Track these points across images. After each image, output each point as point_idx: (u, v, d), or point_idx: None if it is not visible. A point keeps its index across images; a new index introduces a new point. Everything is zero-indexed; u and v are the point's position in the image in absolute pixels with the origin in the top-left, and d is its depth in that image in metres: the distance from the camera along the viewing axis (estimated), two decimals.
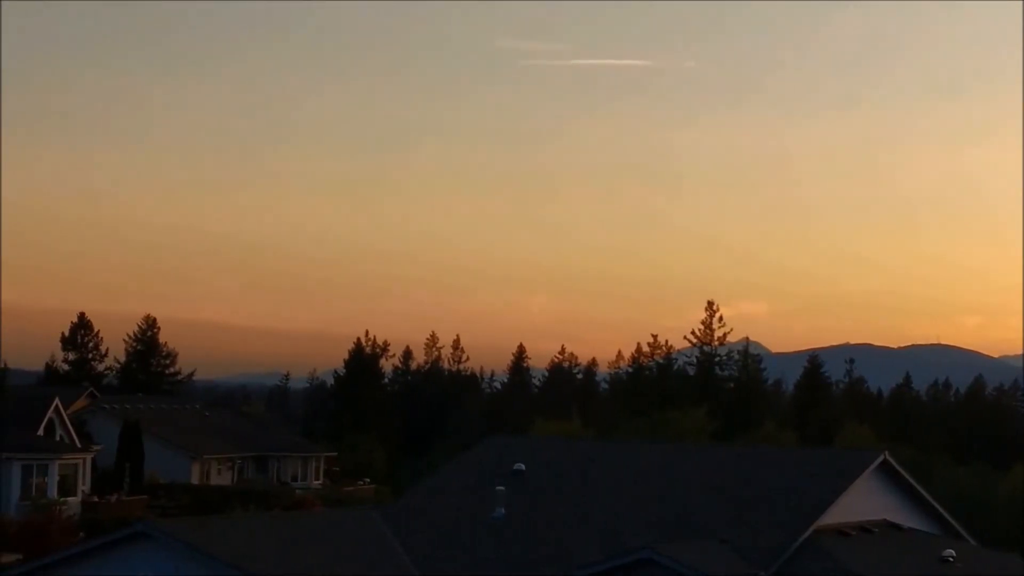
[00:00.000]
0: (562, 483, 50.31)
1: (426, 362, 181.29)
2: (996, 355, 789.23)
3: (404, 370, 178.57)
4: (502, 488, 48.20)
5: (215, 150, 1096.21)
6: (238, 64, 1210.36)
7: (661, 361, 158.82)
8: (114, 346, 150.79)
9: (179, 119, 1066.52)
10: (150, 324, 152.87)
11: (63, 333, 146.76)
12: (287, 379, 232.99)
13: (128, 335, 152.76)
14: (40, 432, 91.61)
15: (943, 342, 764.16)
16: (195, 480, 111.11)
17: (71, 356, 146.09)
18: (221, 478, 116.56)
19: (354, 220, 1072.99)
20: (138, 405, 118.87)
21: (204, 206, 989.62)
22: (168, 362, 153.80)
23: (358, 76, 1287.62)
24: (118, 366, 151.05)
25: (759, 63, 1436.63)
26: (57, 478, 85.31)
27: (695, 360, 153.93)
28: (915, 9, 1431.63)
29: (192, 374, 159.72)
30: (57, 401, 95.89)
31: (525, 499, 48.56)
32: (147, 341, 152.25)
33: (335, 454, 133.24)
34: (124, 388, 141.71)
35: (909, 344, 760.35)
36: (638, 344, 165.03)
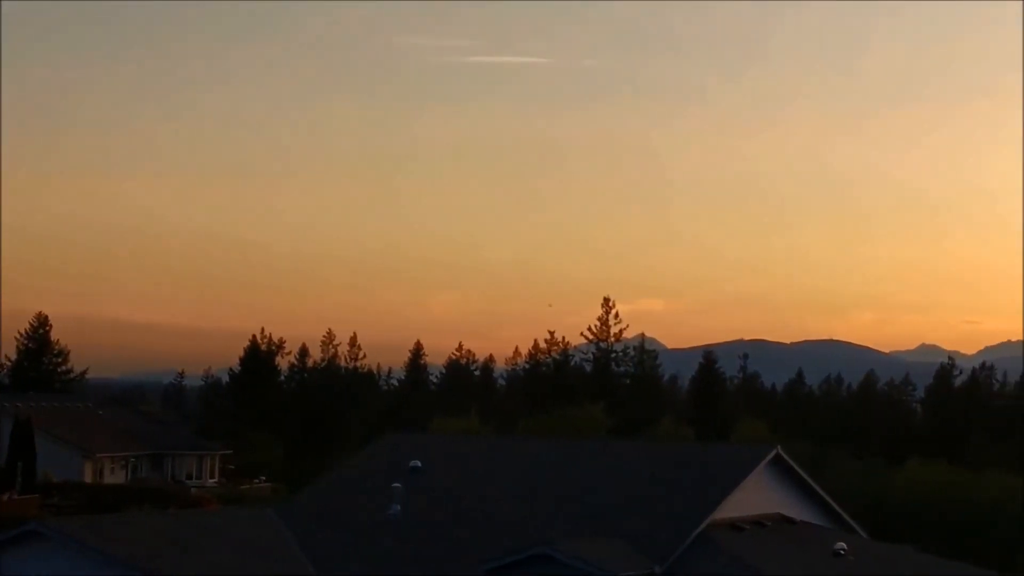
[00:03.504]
0: (460, 480, 50.33)
1: (322, 359, 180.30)
2: (887, 351, 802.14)
3: (300, 368, 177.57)
4: (398, 485, 48.12)
5: (115, 142, 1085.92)
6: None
7: (558, 357, 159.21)
8: (5, 344, 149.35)
9: (74, 108, 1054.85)
10: (42, 322, 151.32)
11: None
12: (182, 377, 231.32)
13: (20, 333, 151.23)
14: None
15: (835, 338, 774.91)
16: (88, 479, 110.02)
17: None
18: (115, 476, 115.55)
19: (250, 217, 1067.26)
20: (30, 403, 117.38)
21: (99, 199, 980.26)
22: (60, 360, 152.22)
23: (260, 69, 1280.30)
24: (9, 364, 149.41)
25: (654, 62, 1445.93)
26: None
27: (592, 356, 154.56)
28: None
29: (85, 372, 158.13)
30: None
31: (423, 496, 48.52)
32: (39, 339, 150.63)
33: (231, 452, 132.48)
34: (16, 386, 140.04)
35: (802, 340, 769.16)
36: (535, 340, 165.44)
